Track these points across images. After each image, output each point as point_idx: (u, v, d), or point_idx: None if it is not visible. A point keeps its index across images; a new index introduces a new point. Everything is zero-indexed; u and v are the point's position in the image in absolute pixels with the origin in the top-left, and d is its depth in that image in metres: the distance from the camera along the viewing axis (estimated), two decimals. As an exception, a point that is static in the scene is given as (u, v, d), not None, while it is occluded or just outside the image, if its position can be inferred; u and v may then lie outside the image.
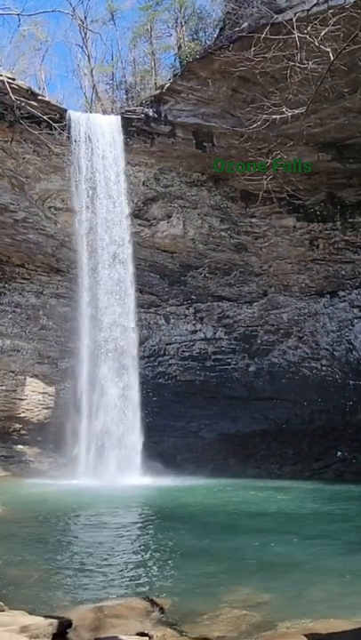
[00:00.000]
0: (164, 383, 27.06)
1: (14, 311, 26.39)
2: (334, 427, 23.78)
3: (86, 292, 23.60)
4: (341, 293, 25.11)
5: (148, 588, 7.97)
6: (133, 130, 22.86)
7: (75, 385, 24.13)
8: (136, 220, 24.62)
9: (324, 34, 8.31)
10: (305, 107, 9.41)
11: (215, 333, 27.07)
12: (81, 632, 6.16)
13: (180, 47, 26.94)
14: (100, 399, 22.83)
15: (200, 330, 27.18)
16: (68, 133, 21.68)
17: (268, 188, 14.64)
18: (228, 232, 25.27)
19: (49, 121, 12.88)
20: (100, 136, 23.03)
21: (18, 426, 26.00)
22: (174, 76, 22.75)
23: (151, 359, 27.20)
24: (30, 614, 6.37)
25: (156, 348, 27.48)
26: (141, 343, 26.01)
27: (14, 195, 23.62)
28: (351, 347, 24.80)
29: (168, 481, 20.71)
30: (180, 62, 24.35)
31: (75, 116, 23.06)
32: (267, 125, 11.08)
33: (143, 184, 24.44)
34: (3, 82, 16.31)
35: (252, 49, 12.15)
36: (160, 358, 27.42)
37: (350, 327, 24.86)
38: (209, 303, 26.91)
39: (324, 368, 25.31)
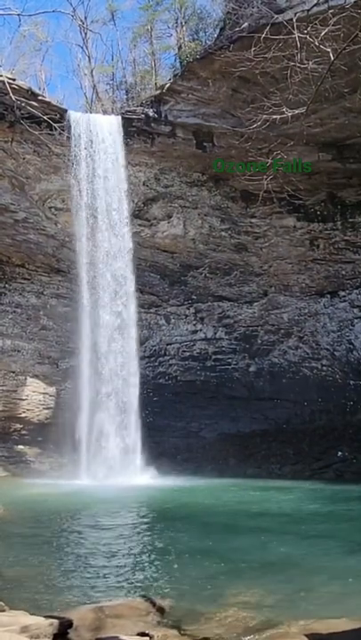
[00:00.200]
0: (165, 383, 27.05)
1: (15, 311, 26.41)
2: (335, 427, 23.77)
3: (86, 292, 23.60)
4: (342, 293, 25.11)
5: (148, 588, 7.98)
6: (134, 130, 22.85)
7: (75, 385, 24.13)
8: (136, 221, 24.61)
9: (325, 34, 8.30)
10: (305, 107, 9.40)
11: (216, 333, 27.06)
12: (82, 632, 6.16)
13: (180, 47, 26.97)
14: (100, 400, 22.84)
15: (200, 330, 27.17)
16: (69, 134, 21.66)
17: (269, 188, 14.57)
18: (229, 232, 25.27)
19: (49, 121, 12.85)
20: (100, 136, 23.02)
21: (18, 426, 26.00)
22: (174, 76, 22.76)
23: (152, 359, 27.20)
24: (31, 614, 6.37)
25: (156, 348, 27.47)
26: (142, 343, 26.01)
27: (15, 195, 23.64)
28: (352, 347, 24.79)
29: (168, 481, 20.71)
30: (181, 62, 24.38)
31: (75, 116, 23.04)
32: (267, 125, 11.06)
33: (143, 184, 24.44)
34: (3, 82, 16.37)
35: (253, 49, 12.10)
36: (160, 358, 27.41)
37: (351, 327, 24.85)
38: (209, 303, 26.91)
39: (324, 368, 25.31)
